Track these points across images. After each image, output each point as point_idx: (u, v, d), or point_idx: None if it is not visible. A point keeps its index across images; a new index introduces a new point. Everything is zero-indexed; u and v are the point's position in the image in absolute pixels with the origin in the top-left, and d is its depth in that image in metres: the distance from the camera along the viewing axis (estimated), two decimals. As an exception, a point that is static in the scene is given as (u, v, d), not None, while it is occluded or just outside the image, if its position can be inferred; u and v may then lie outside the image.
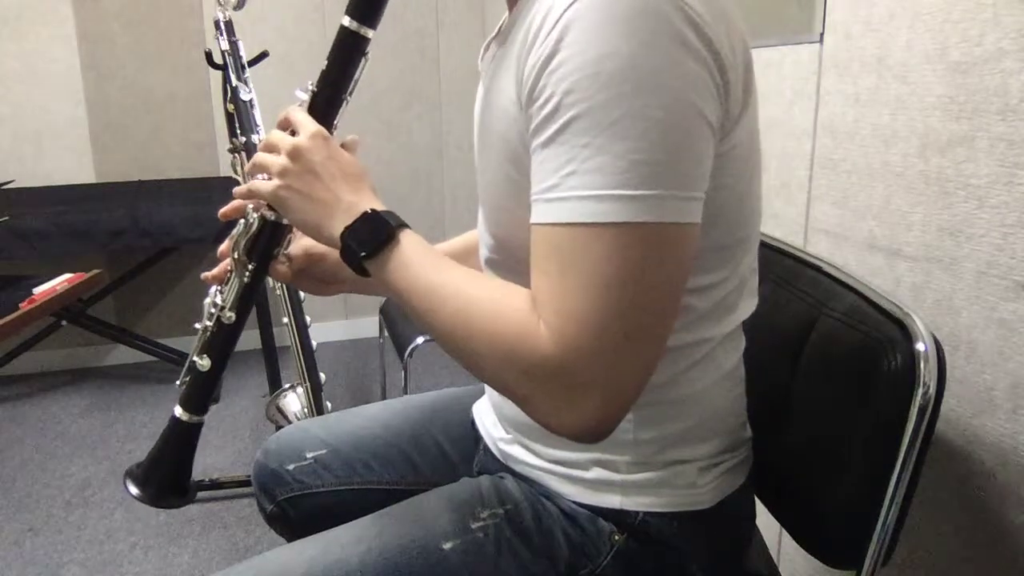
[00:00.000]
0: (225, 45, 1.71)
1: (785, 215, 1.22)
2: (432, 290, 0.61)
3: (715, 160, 0.58)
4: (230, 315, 0.79)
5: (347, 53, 0.73)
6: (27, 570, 1.72)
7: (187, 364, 0.81)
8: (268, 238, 0.78)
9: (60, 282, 1.66)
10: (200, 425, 0.82)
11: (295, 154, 0.69)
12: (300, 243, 0.86)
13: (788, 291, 0.83)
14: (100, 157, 2.85)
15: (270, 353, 2.18)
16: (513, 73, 0.60)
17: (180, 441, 0.82)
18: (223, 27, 1.72)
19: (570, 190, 0.53)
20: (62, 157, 2.80)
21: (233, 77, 1.70)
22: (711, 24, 0.54)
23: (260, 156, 0.72)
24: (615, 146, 0.51)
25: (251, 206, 0.79)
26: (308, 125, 0.71)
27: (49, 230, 2.28)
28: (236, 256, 0.79)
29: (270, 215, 0.77)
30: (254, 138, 1.68)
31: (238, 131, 1.69)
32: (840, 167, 1.07)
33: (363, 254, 0.64)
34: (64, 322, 2.65)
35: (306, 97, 0.74)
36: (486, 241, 0.73)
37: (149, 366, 2.90)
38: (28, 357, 2.79)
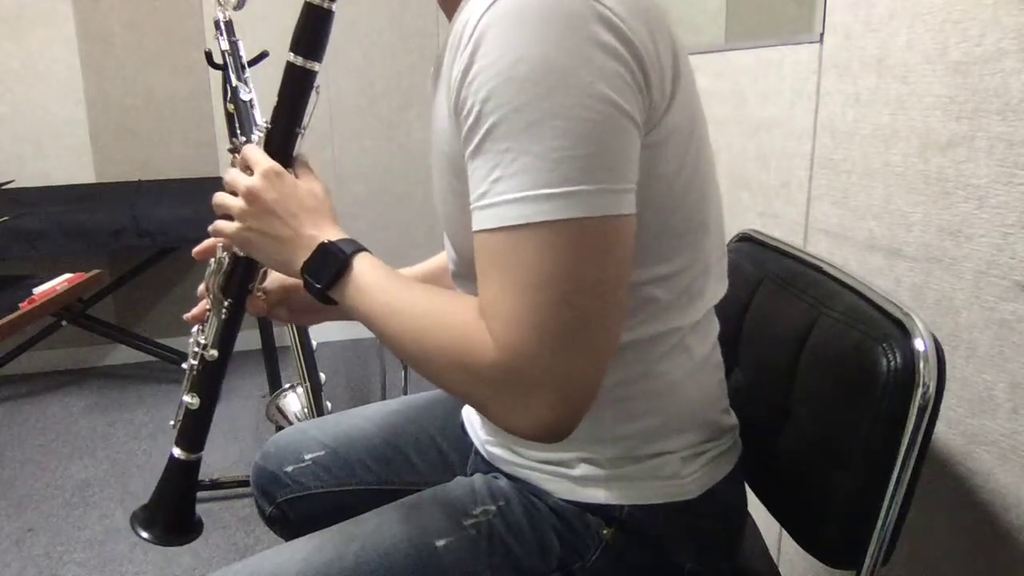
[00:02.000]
0: (225, 45, 1.71)
1: (785, 215, 1.22)
2: (388, 311, 0.63)
3: (649, 151, 0.58)
4: (213, 353, 0.80)
5: (297, 88, 0.74)
6: (27, 570, 1.72)
7: (178, 404, 0.82)
8: (241, 274, 0.80)
9: (60, 282, 1.66)
10: (198, 461, 0.83)
11: (250, 196, 0.70)
12: (275, 275, 0.87)
13: (788, 291, 0.83)
14: (100, 157, 2.85)
15: (270, 353, 2.18)
16: (444, 87, 0.61)
17: (181, 480, 0.84)
18: (223, 27, 1.71)
19: (498, 195, 0.54)
20: (62, 157, 2.80)
21: (233, 77, 1.70)
22: (628, 20, 0.55)
23: (220, 197, 0.74)
24: (535, 147, 0.52)
25: (221, 244, 0.80)
26: (261, 163, 0.72)
27: (49, 230, 2.29)
28: (212, 294, 0.80)
29: (240, 252, 0.78)
30: (254, 138, 1.68)
31: (238, 131, 1.68)
32: (840, 167, 1.07)
33: (319, 285, 0.66)
34: (64, 322, 2.65)
35: (261, 135, 0.75)
36: (451, 255, 0.74)
37: (149, 366, 2.90)
38: (28, 357, 2.79)
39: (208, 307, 0.82)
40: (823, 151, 1.11)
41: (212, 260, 0.81)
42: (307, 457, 0.92)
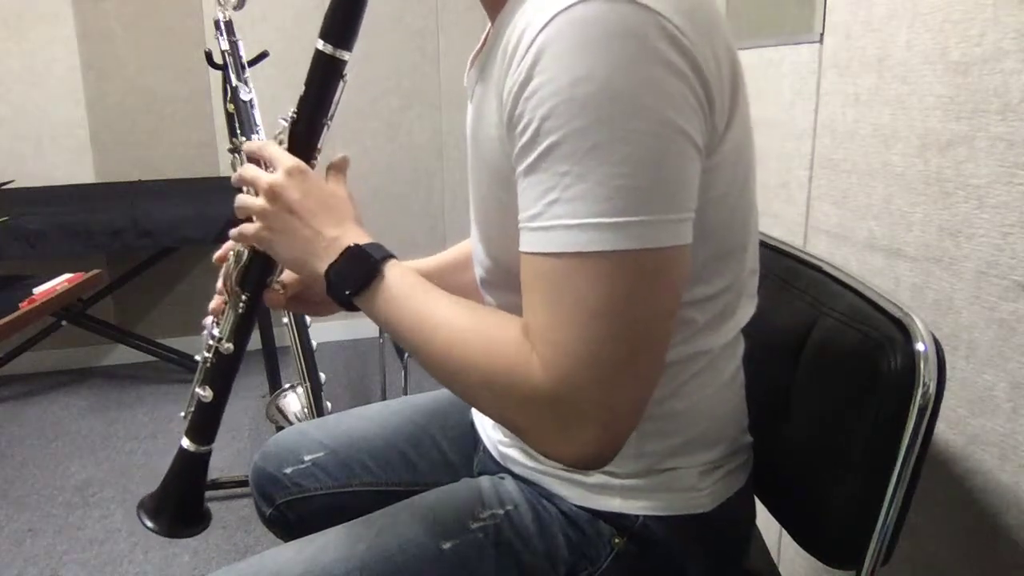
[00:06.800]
0: (225, 45, 1.71)
1: (785, 215, 1.22)
2: (421, 323, 0.61)
3: (706, 175, 0.57)
4: (228, 346, 0.79)
5: (324, 78, 0.71)
6: (27, 570, 1.72)
7: (190, 395, 0.82)
8: (260, 269, 0.78)
9: (60, 282, 1.66)
10: (208, 455, 0.83)
11: (272, 195, 0.68)
12: None
13: (788, 291, 0.83)
14: (100, 157, 2.85)
15: (270, 353, 2.18)
16: (494, 96, 0.59)
17: (189, 472, 0.83)
18: (223, 27, 1.71)
19: (554, 219, 0.52)
20: (62, 157, 2.80)
21: (233, 77, 1.70)
22: (693, 38, 0.52)
23: (241, 198, 0.72)
24: (596, 172, 0.50)
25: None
26: (283, 161, 0.69)
27: (49, 230, 2.28)
28: (229, 288, 0.79)
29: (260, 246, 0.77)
30: (254, 138, 1.68)
31: (238, 131, 1.68)
32: (840, 167, 1.07)
33: (348, 291, 0.64)
34: (64, 322, 2.65)
35: (287, 125, 0.73)
36: (481, 261, 0.72)
37: (149, 366, 2.90)
38: (28, 357, 2.78)
39: (225, 300, 0.81)
40: (823, 151, 1.11)
41: (230, 253, 0.80)
42: (306, 458, 0.91)
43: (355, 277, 0.64)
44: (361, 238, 0.67)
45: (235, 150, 1.71)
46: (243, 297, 0.79)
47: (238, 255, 0.79)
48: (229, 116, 1.73)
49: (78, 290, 1.72)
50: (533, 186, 0.53)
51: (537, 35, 0.51)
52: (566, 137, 0.50)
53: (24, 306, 1.50)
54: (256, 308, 0.80)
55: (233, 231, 0.75)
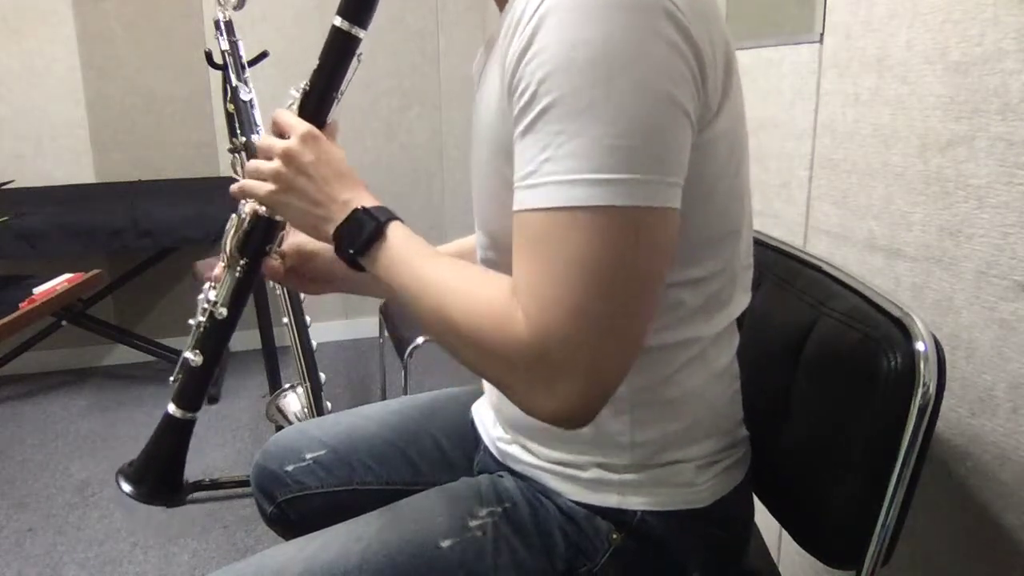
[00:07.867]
0: (225, 45, 1.71)
1: (785, 215, 1.22)
2: (417, 280, 0.63)
3: (698, 152, 0.58)
4: (222, 311, 0.79)
5: (339, 53, 0.74)
6: (27, 570, 1.72)
7: (180, 360, 0.81)
8: (261, 234, 0.79)
9: (60, 282, 1.67)
10: (193, 422, 0.82)
11: (286, 158, 0.71)
12: (292, 240, 0.87)
13: (788, 291, 0.83)
14: (100, 157, 2.85)
15: (270, 353, 2.18)
16: (498, 66, 0.61)
17: (173, 438, 0.82)
18: (223, 27, 1.71)
19: (546, 176, 0.53)
20: (62, 157, 2.80)
21: (233, 77, 1.70)
22: (690, 17, 0.54)
23: (255, 163, 0.74)
24: (589, 131, 0.52)
25: (244, 201, 0.80)
26: (297, 126, 0.72)
27: (49, 230, 2.28)
28: (228, 252, 0.79)
29: (262, 211, 0.77)
30: (254, 138, 1.68)
31: (238, 131, 1.68)
32: (840, 167, 1.07)
33: (352, 251, 0.67)
34: (64, 322, 2.65)
35: (297, 95, 0.75)
36: (481, 240, 0.74)
37: (149, 366, 2.90)
38: (28, 357, 2.78)
39: (224, 265, 0.81)
40: (823, 151, 1.11)
41: (232, 216, 0.81)
42: (308, 456, 0.92)
43: (359, 237, 0.66)
44: (369, 201, 0.69)
45: (235, 150, 1.71)
46: (241, 262, 0.79)
47: (239, 220, 0.79)
48: (229, 116, 1.73)
49: (78, 290, 1.72)
50: (529, 146, 0.55)
51: (540, 4, 0.54)
52: (562, 98, 0.52)
53: (24, 306, 1.50)
54: (254, 274, 0.80)
55: (238, 185, 0.75)
